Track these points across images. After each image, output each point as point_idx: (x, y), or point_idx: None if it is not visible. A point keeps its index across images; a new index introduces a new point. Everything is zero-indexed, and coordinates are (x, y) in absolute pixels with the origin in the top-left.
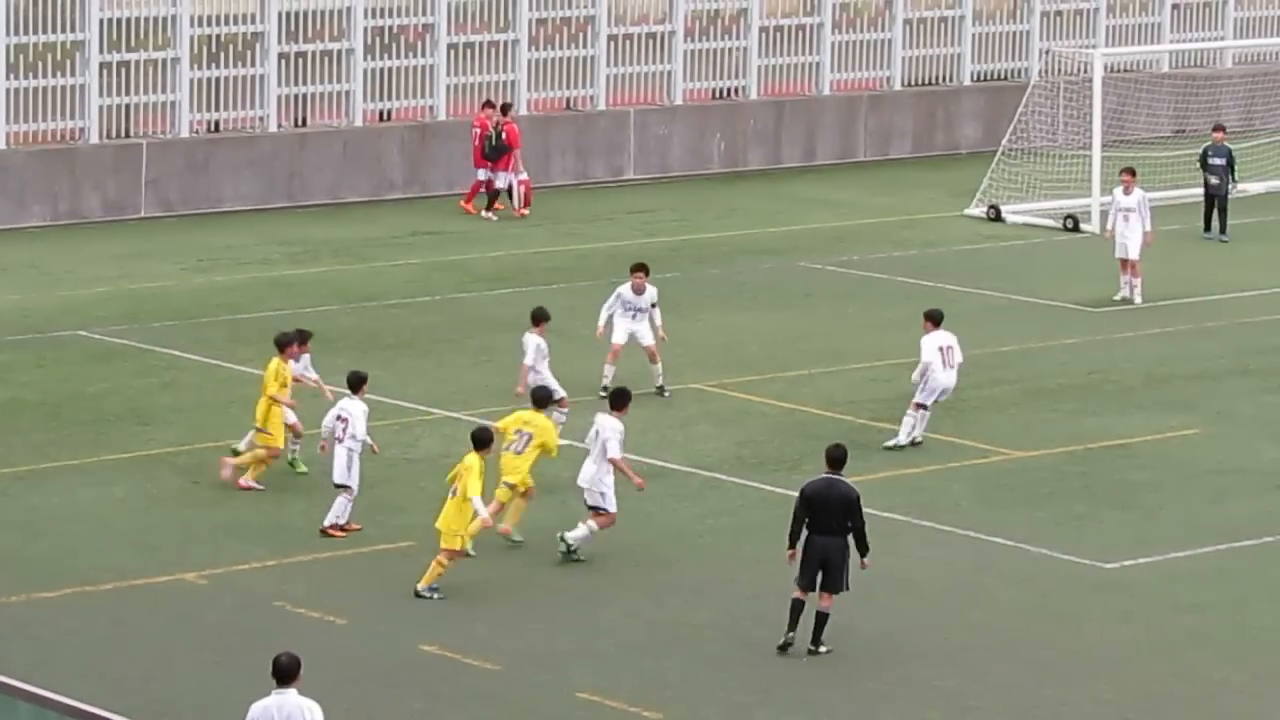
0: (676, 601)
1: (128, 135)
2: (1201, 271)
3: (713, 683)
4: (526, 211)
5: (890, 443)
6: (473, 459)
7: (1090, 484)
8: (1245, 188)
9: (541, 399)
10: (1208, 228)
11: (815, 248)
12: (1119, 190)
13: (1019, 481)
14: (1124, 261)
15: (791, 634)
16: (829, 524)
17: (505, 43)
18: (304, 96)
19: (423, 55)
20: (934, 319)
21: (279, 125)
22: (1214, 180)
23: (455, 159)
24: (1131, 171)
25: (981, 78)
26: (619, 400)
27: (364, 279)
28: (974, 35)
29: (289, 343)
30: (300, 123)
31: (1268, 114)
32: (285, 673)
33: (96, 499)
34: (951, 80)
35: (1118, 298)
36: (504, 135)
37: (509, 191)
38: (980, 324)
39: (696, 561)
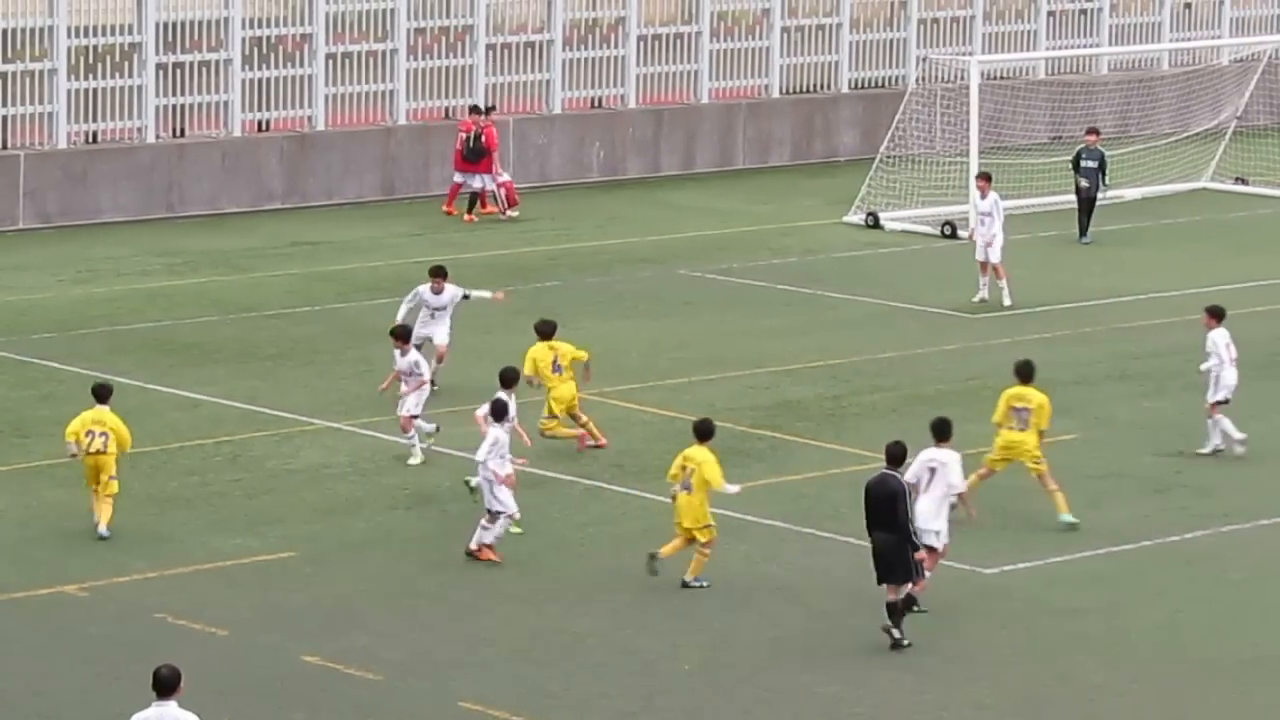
0: (558, 610)
1: (5, 147)
2: (1079, 277)
3: (595, 691)
4: (514, 212)
5: (1206, 450)
6: (703, 453)
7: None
8: (1122, 193)
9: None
10: (1084, 233)
11: (695, 256)
12: (975, 194)
13: None
14: (983, 264)
15: (895, 631)
16: (879, 519)
17: (384, 52)
18: (182, 107)
19: (301, 65)
20: (1217, 315)
21: (157, 136)
22: (1084, 183)
23: (334, 169)
24: (986, 176)
25: (859, 85)
26: (943, 431)
27: (243, 290)
28: (851, 43)
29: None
30: (179, 133)
31: (1143, 120)
32: (166, 685)
33: None
34: (829, 88)
35: (976, 299)
36: (483, 138)
37: (493, 194)
38: (859, 331)
39: (578, 570)
